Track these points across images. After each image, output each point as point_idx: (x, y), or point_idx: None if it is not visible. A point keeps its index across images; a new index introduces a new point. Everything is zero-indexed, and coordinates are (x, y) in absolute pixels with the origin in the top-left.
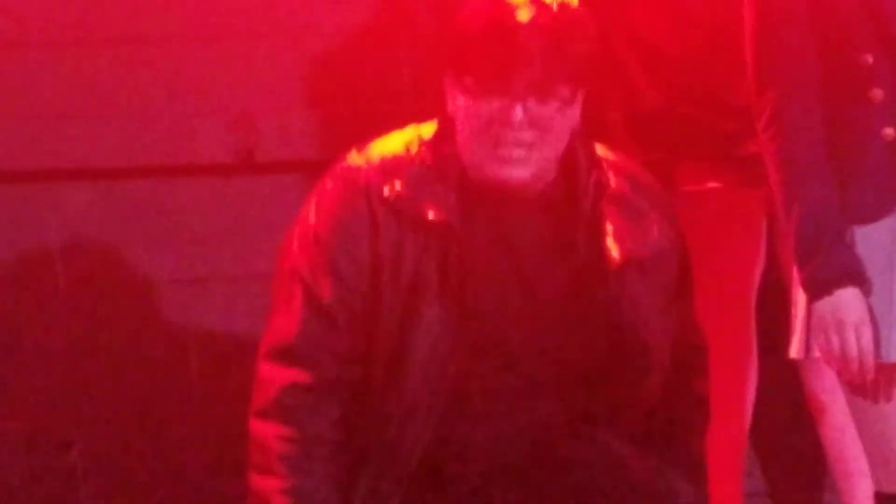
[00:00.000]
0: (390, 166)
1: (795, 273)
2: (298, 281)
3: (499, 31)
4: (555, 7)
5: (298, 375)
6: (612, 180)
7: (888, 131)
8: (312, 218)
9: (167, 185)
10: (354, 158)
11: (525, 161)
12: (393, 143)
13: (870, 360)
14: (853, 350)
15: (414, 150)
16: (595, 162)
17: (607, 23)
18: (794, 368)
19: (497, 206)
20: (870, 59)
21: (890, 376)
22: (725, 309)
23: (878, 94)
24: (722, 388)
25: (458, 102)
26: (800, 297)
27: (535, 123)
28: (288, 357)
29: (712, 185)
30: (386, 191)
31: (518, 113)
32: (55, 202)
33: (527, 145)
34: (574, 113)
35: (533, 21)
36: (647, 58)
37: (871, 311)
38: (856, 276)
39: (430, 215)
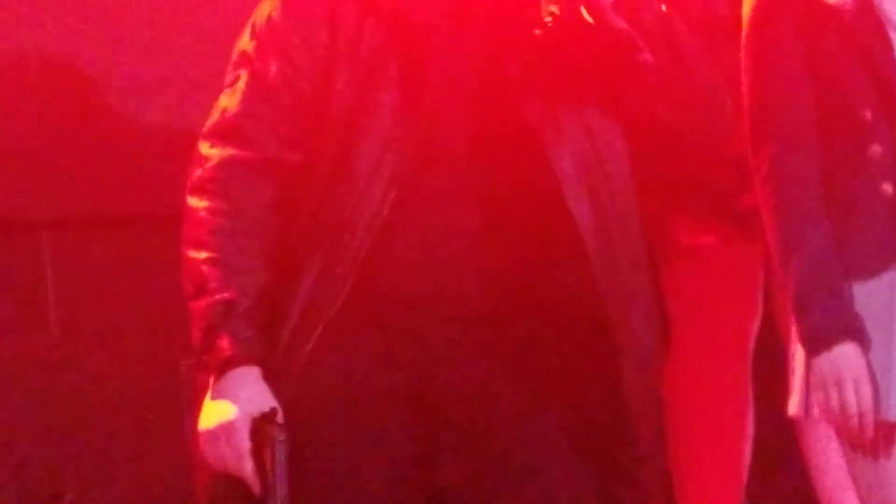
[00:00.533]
0: None
1: (793, 329)
2: (246, 63)
3: None
4: None
5: (236, 152)
6: None
7: (887, 187)
8: (267, 6)
9: None
10: None
11: None
12: None
13: (869, 418)
14: (852, 407)
15: None
16: None
17: None
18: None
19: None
20: (868, 114)
21: (889, 434)
22: (722, 365)
23: (876, 150)
24: (718, 444)
25: None
26: (798, 354)
27: None
28: (227, 134)
29: (709, 239)
30: None
31: None
32: None
33: None
34: None
35: None
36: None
37: (870, 367)
38: (855, 332)
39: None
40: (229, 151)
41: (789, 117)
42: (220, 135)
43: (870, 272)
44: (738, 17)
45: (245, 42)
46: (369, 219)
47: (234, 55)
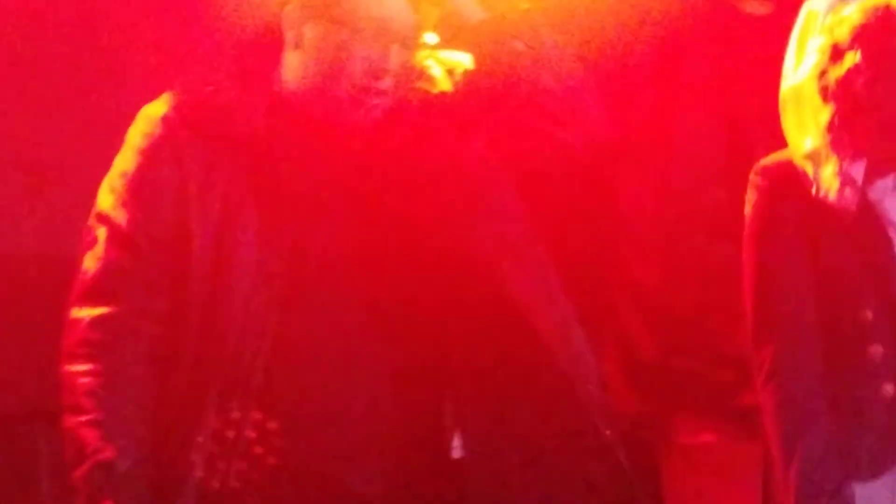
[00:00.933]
0: (189, 95)
1: None
2: (101, 221)
3: None
4: None
5: (103, 311)
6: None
7: (888, 388)
8: (118, 162)
9: None
10: (155, 103)
11: (380, 108)
12: (192, 82)
13: None
14: None
15: (216, 81)
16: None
17: (600, 271)
18: None
19: (314, 128)
20: (869, 314)
21: None
22: None
23: (877, 350)
24: None
25: (315, 35)
26: None
27: (399, 71)
28: (91, 295)
29: (708, 437)
30: (186, 113)
31: (394, 60)
32: None
33: (386, 95)
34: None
35: None
36: (642, 308)
37: None
38: None
39: (236, 128)
40: (96, 311)
41: (791, 317)
42: (86, 296)
43: (871, 473)
44: None
45: (100, 201)
46: (251, 359)
47: (91, 217)
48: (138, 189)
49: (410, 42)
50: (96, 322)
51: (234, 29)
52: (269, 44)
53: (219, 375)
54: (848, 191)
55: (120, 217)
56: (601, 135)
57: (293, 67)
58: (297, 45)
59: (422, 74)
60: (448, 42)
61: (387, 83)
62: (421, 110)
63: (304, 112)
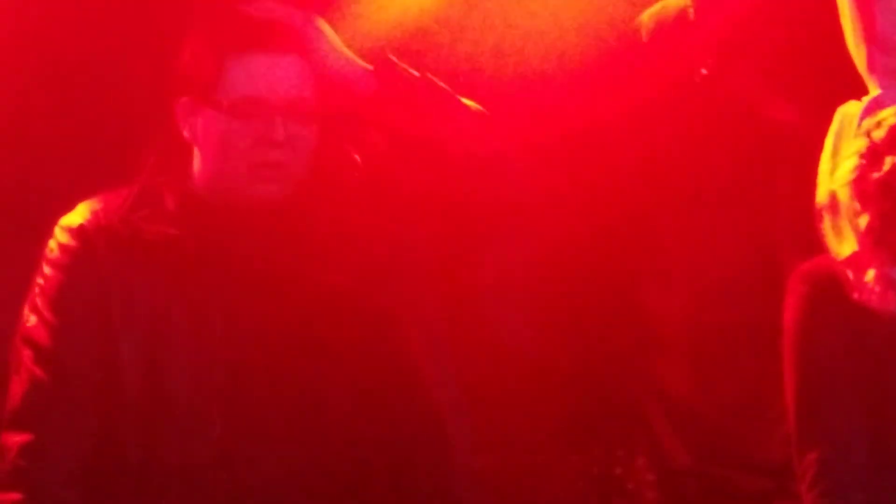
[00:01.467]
0: (104, 204)
1: None
2: (25, 343)
3: (258, 49)
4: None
5: (30, 436)
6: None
7: None
8: (38, 279)
9: None
10: (69, 216)
11: (281, 179)
12: (105, 193)
13: None
14: None
15: (127, 188)
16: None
17: (629, 381)
18: None
19: (223, 222)
20: None
21: None
22: None
23: None
24: None
25: (204, 123)
26: None
27: (289, 141)
28: (19, 420)
29: None
30: (101, 221)
31: (279, 132)
32: None
33: (281, 165)
34: (316, 133)
35: (286, 40)
36: (672, 416)
37: None
38: None
39: (152, 230)
40: (23, 437)
41: (836, 423)
42: (14, 422)
43: None
44: None
45: (24, 320)
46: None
47: (18, 338)
48: (60, 306)
49: (296, 111)
50: (25, 448)
51: (149, 129)
52: (178, 142)
53: (171, 470)
54: (891, 294)
55: (43, 337)
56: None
57: (196, 161)
58: (193, 139)
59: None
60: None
61: (279, 155)
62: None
63: (213, 202)
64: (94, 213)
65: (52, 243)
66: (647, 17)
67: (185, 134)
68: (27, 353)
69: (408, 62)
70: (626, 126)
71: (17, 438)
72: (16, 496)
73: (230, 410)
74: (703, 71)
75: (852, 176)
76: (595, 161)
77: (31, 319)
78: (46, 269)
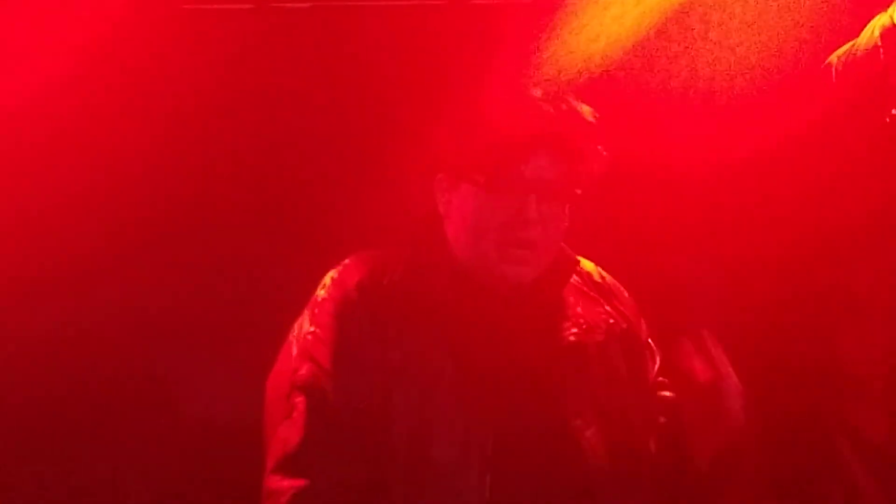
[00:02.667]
0: (377, 263)
1: None
2: (299, 390)
3: (519, 128)
4: (568, 110)
5: (308, 482)
6: (575, 276)
7: None
8: (308, 326)
9: None
10: (340, 269)
11: (530, 261)
12: (372, 251)
13: None
14: None
15: (395, 249)
16: (571, 260)
17: (825, 428)
18: None
19: (486, 294)
20: None
21: None
22: None
23: None
24: None
25: (459, 199)
26: None
27: (543, 221)
28: (295, 465)
29: None
30: (379, 279)
31: (532, 210)
32: None
33: (533, 245)
34: (567, 217)
35: (549, 119)
36: (874, 462)
37: None
38: None
39: (429, 296)
40: (299, 483)
41: None
42: (286, 467)
43: None
44: None
45: (294, 369)
46: None
47: (286, 384)
48: (339, 358)
49: (550, 190)
50: (299, 494)
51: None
52: (434, 216)
53: None
54: None
55: (320, 387)
56: None
57: (451, 235)
58: (447, 214)
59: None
60: None
61: (531, 234)
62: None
63: (471, 276)
64: (371, 270)
65: (323, 293)
66: (835, 57)
67: (441, 209)
68: (301, 401)
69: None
70: (813, 166)
71: (290, 483)
72: None
73: (495, 470)
74: (895, 111)
75: None
76: (782, 201)
77: (304, 368)
78: (321, 318)
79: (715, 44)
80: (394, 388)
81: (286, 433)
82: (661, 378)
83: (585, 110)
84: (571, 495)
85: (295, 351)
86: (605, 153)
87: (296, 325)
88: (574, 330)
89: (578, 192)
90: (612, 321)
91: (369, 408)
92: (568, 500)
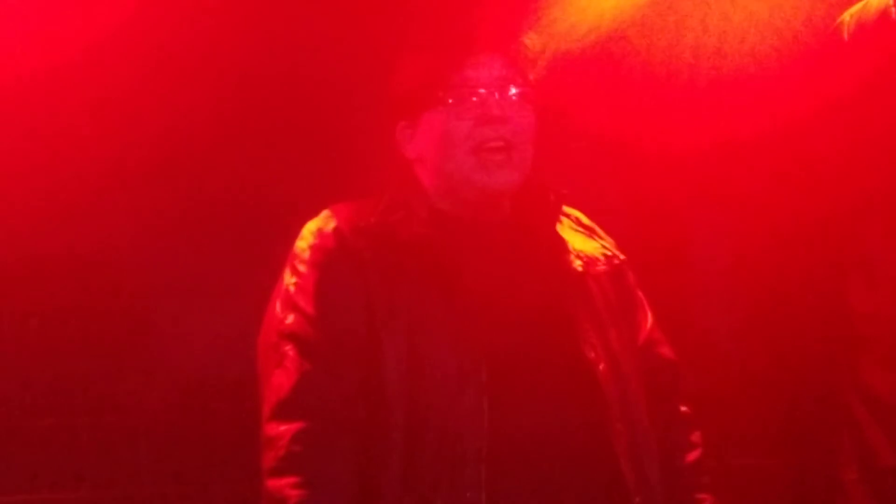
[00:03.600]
0: (354, 210)
1: None
2: (287, 339)
3: (460, 36)
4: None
5: (304, 424)
6: (564, 217)
7: None
8: (291, 277)
9: None
10: (317, 219)
11: (507, 163)
12: (350, 201)
13: None
14: None
15: (373, 198)
16: (557, 197)
17: (836, 383)
18: None
19: (467, 230)
20: None
21: None
22: None
23: None
24: None
25: (423, 131)
26: None
27: (506, 118)
28: (290, 409)
29: None
30: (357, 223)
31: (493, 107)
32: None
33: (506, 141)
34: (532, 117)
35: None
36: (880, 418)
37: None
38: None
39: (410, 233)
40: (296, 425)
41: None
42: (283, 412)
43: None
44: None
45: (280, 319)
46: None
47: (272, 335)
48: (323, 302)
49: (507, 89)
50: (297, 436)
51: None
52: (403, 164)
53: (435, 474)
54: None
55: (307, 334)
56: None
57: (425, 175)
58: (417, 154)
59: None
60: None
61: (499, 130)
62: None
63: (453, 214)
64: (348, 217)
65: (302, 244)
66: (848, 16)
67: (410, 154)
68: (291, 348)
69: (604, 65)
70: (826, 125)
71: (288, 427)
72: (293, 479)
73: (494, 393)
74: None
75: None
76: (795, 159)
77: (290, 317)
78: (301, 268)
79: (725, 1)
80: (381, 329)
81: (279, 381)
82: (657, 331)
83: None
84: (588, 427)
85: (279, 302)
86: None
87: (281, 280)
88: (578, 262)
89: (532, 88)
90: (608, 254)
91: (359, 350)
92: (583, 432)
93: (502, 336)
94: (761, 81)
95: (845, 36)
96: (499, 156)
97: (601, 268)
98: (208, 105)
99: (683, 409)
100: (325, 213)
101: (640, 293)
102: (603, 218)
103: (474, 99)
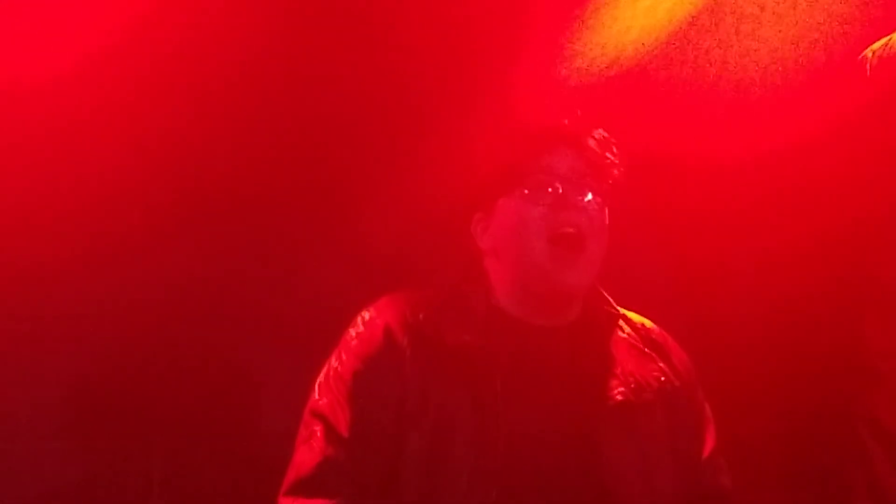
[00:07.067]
0: (410, 303)
1: None
2: (318, 419)
3: (540, 130)
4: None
5: (318, 502)
6: (626, 328)
7: None
8: (334, 362)
9: None
10: (373, 308)
11: (578, 260)
12: (410, 291)
13: None
14: None
15: (433, 290)
16: (614, 311)
17: (850, 420)
18: None
19: (521, 335)
20: None
21: None
22: None
23: None
24: None
25: (498, 220)
26: None
27: (581, 207)
28: (307, 487)
29: None
30: (407, 319)
31: (570, 196)
32: None
33: (579, 229)
34: (605, 216)
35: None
36: (894, 452)
37: None
38: None
39: (457, 338)
40: (310, 502)
41: None
42: (301, 487)
43: None
44: None
45: (316, 397)
46: None
47: (306, 413)
48: (356, 395)
49: (581, 182)
50: None
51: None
52: (475, 258)
53: None
54: None
55: (337, 419)
56: None
57: (495, 273)
58: (489, 245)
59: None
60: None
61: (574, 218)
62: None
63: (514, 317)
64: (401, 312)
65: (352, 332)
66: (870, 52)
67: (482, 245)
68: (319, 429)
69: (625, 97)
70: (849, 138)
71: (303, 503)
72: None
73: None
74: None
75: None
76: (817, 175)
77: (324, 400)
78: (344, 356)
79: (747, 36)
80: (409, 430)
81: (302, 458)
82: (717, 458)
83: (596, 117)
84: None
85: (320, 381)
86: (618, 159)
87: (329, 359)
88: (621, 388)
89: (610, 182)
90: (663, 379)
91: (383, 443)
92: None
93: (521, 455)
94: (787, 96)
95: (868, 71)
96: (572, 251)
97: (649, 396)
98: (214, 107)
99: None
100: (380, 301)
101: (705, 417)
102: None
103: (549, 190)
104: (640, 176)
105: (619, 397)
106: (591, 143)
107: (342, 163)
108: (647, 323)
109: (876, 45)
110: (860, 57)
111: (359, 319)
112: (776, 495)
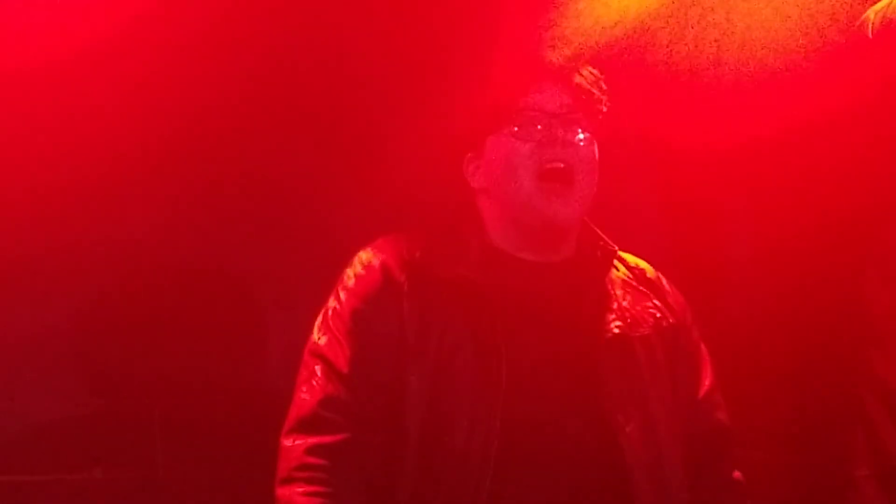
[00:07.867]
0: (406, 242)
1: None
2: (317, 358)
3: (527, 68)
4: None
5: (320, 439)
6: (621, 267)
7: None
8: (333, 302)
9: None
10: (369, 248)
11: (567, 193)
12: (405, 232)
13: None
14: None
15: (428, 230)
16: (609, 249)
17: (849, 377)
18: None
19: (516, 271)
20: None
21: None
22: None
23: None
24: None
25: (488, 158)
26: None
27: (569, 142)
28: (309, 425)
29: None
30: (404, 257)
31: (558, 132)
32: None
33: (567, 164)
34: (594, 150)
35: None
36: (893, 412)
37: None
38: None
39: (453, 272)
40: (312, 440)
41: None
42: (303, 425)
43: None
44: None
45: (315, 338)
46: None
47: (305, 353)
48: (355, 332)
49: (570, 118)
50: (314, 448)
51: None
52: (467, 197)
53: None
54: None
55: (336, 357)
56: None
57: (486, 212)
58: (481, 183)
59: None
60: None
61: (560, 153)
62: None
63: (507, 254)
64: (398, 250)
65: (349, 272)
66: (872, 13)
67: (474, 183)
68: (319, 367)
69: (628, 60)
70: (849, 121)
71: (304, 441)
72: (303, 488)
73: (504, 445)
74: None
75: None
76: (817, 156)
77: (323, 339)
78: (343, 295)
79: (742, 17)
80: (409, 365)
81: (303, 396)
82: (715, 395)
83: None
84: (603, 489)
85: (319, 322)
86: (606, 94)
87: (328, 299)
88: (617, 322)
89: (599, 118)
90: (659, 315)
91: (384, 380)
92: (596, 495)
93: (522, 388)
94: (785, 77)
95: (870, 33)
96: (559, 184)
97: (645, 331)
98: (224, 97)
99: (735, 475)
100: (377, 241)
101: (701, 355)
102: (625, 213)
103: (538, 126)
104: (636, 163)
105: (615, 331)
106: (579, 79)
107: (347, 114)
108: (642, 264)
109: (878, 6)
110: (861, 18)
111: (356, 260)
112: (778, 455)
